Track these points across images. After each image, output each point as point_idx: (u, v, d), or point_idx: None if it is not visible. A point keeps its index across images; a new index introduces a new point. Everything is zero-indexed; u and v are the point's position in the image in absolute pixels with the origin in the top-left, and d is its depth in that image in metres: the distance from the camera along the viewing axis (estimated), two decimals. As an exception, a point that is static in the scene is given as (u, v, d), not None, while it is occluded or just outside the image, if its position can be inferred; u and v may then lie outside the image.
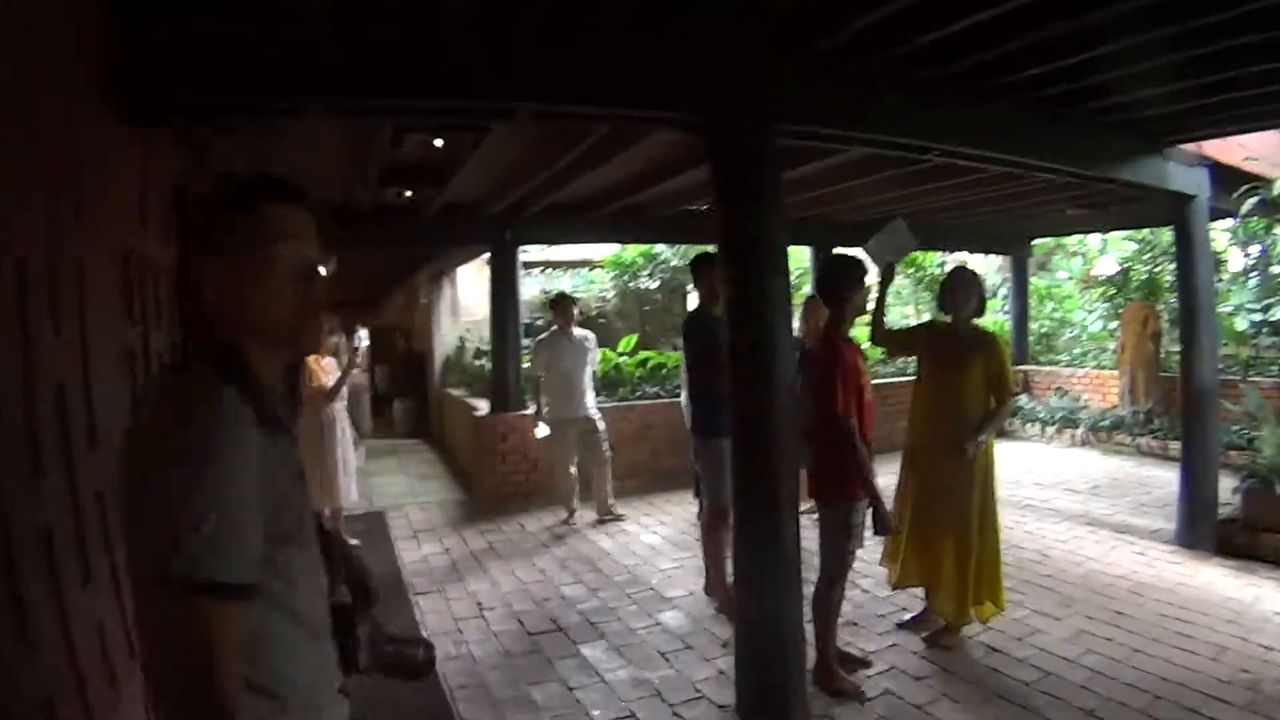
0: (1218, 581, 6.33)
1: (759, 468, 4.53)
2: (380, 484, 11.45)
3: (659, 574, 7.03)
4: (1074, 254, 15.72)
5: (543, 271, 15.77)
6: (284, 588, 1.62)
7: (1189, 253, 7.29)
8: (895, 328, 6.44)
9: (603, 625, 5.99)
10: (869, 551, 5.29)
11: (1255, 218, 9.16)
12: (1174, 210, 7.30)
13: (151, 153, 4.52)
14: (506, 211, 9.25)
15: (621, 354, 11.62)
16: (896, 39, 4.31)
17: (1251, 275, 11.09)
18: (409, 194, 7.96)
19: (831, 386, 4.66)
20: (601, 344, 10.61)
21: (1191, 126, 6.38)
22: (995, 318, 14.35)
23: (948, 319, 5.47)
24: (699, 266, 6.29)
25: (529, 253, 15.67)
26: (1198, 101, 5.56)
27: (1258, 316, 10.71)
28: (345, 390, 8.06)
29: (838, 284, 4.91)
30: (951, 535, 5.20)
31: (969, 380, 5.20)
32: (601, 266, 14.55)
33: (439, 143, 6.06)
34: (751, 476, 4.58)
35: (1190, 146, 6.95)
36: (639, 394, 11.01)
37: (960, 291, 5.36)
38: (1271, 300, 10.63)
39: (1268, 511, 6.82)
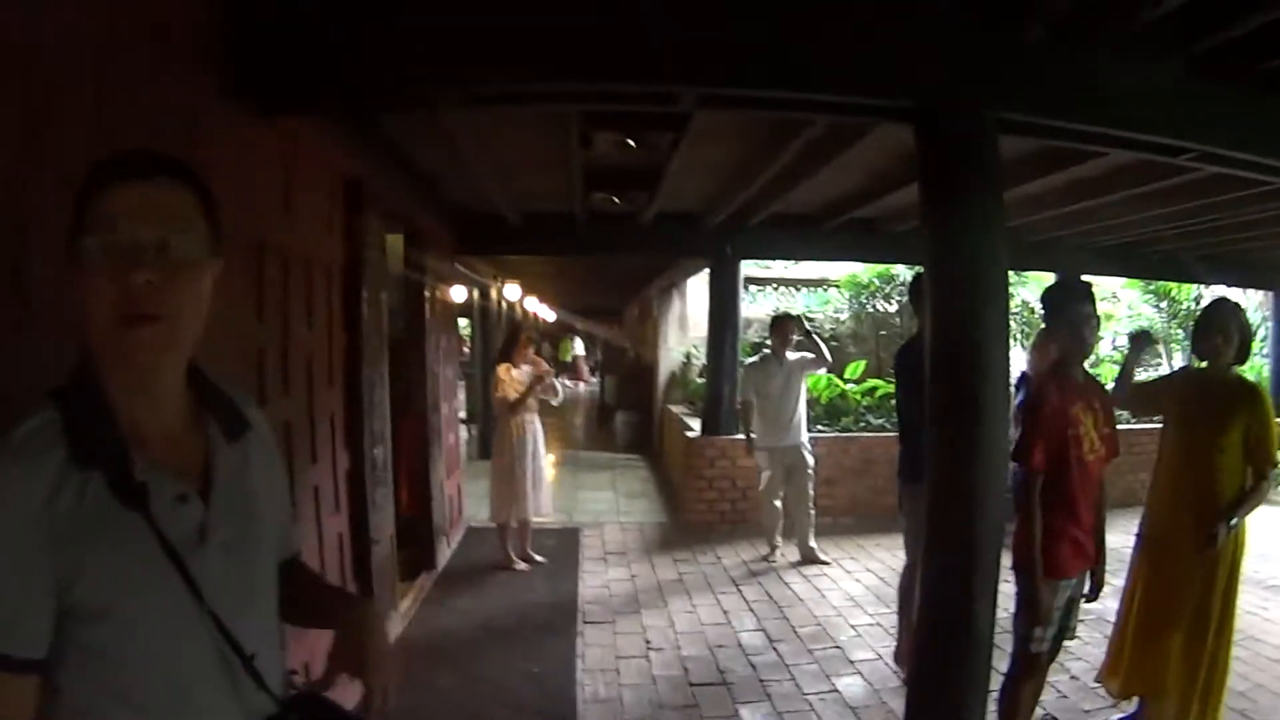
0: None
1: (953, 526, 3.77)
2: (586, 498, 11.21)
3: (849, 631, 6.27)
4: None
5: (775, 289, 15.16)
6: (105, 667, 1.36)
7: None
8: (1144, 380, 5.32)
9: (772, 685, 5.33)
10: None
11: None
12: None
13: (303, 143, 4.29)
14: (727, 223, 8.67)
15: (848, 380, 10.84)
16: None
17: None
18: (616, 199, 7.55)
19: (1021, 432, 3.90)
20: (831, 369, 9.95)
21: None
22: (1254, 362, 12.52)
23: (1202, 365, 4.44)
24: (919, 288, 5.54)
25: (770, 268, 15.16)
26: None
27: None
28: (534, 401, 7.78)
29: (1045, 309, 4.19)
30: (1183, 633, 4.18)
31: (1225, 444, 4.15)
32: (838, 286, 13.76)
33: (631, 142, 5.60)
34: (944, 536, 3.84)
35: None
36: (863, 425, 10.20)
37: (1218, 331, 4.29)
38: None
39: None
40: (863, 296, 12.95)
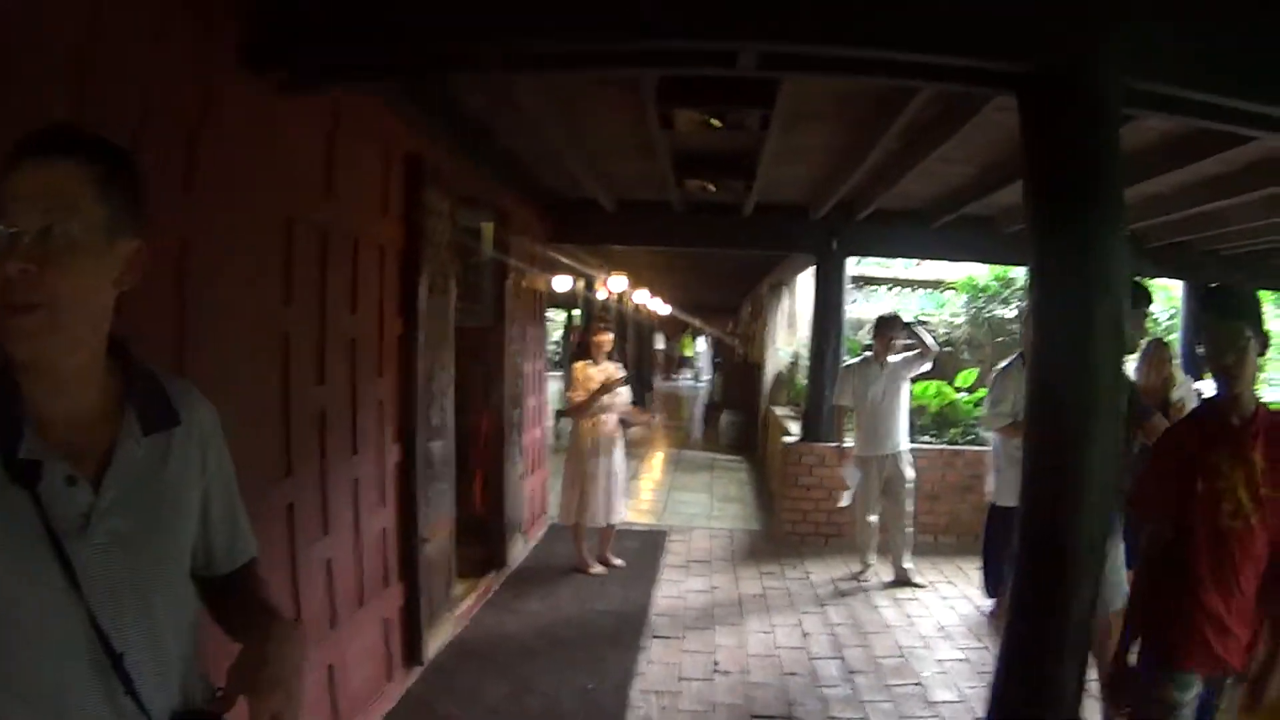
0: None
1: (1046, 578, 3.22)
2: (679, 500, 10.88)
3: (934, 666, 5.69)
4: None
5: (890, 289, 14.50)
6: None
7: None
8: None
9: (841, 726, 4.84)
10: None
11: None
12: None
13: (349, 114, 4.05)
14: (832, 216, 8.19)
15: (959, 389, 10.17)
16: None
17: None
18: (711, 187, 7.13)
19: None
20: (941, 375, 9.36)
21: None
22: None
23: None
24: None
25: (890, 267, 14.52)
26: None
27: None
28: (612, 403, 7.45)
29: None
30: None
31: None
32: (954, 289, 13.03)
33: (716, 122, 5.18)
34: (1033, 590, 3.28)
35: None
36: (971, 438, 9.51)
37: None
38: None
39: None
40: (980, 300, 12.19)
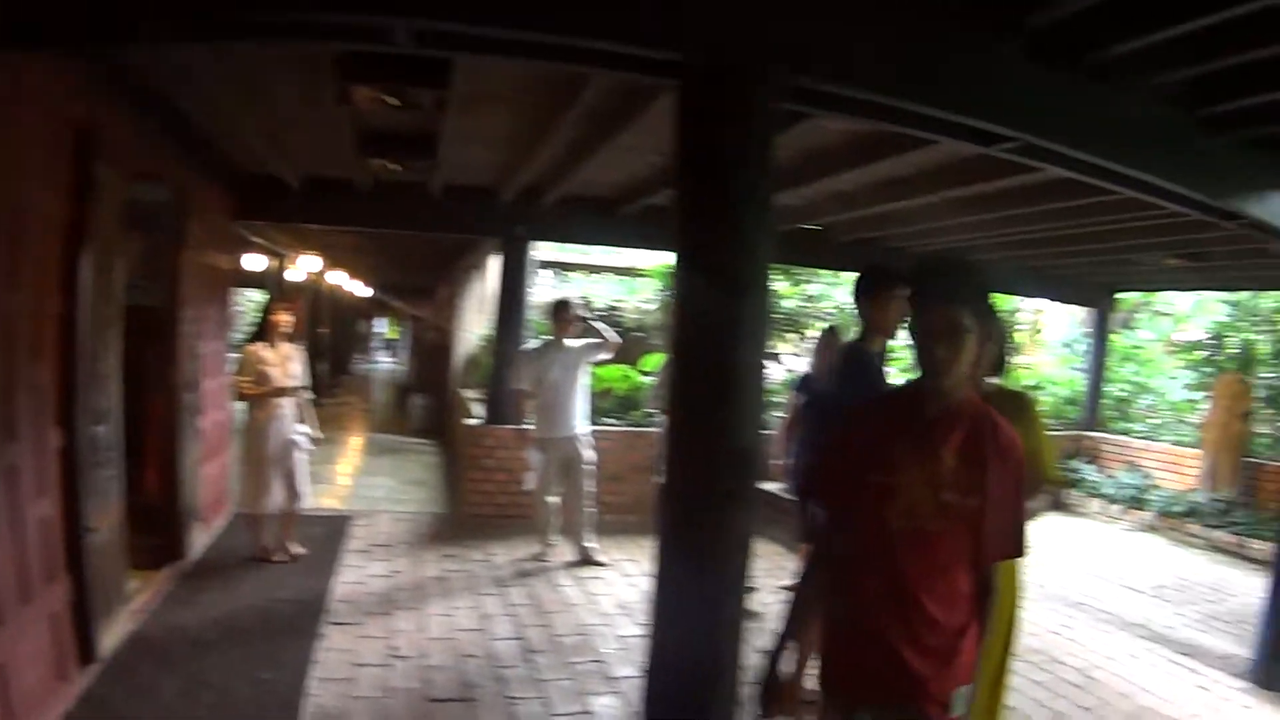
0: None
1: (687, 560, 3.38)
2: (366, 485, 10.68)
3: (616, 643, 5.89)
4: (1160, 313, 14.35)
5: (588, 274, 14.76)
6: None
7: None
8: None
9: (519, 703, 4.92)
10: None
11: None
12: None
13: (21, 84, 3.77)
14: (519, 201, 8.26)
15: (645, 373, 10.52)
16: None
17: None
18: (395, 166, 6.98)
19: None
20: (626, 359, 9.63)
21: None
22: (1071, 378, 13.02)
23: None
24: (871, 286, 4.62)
25: (590, 254, 14.76)
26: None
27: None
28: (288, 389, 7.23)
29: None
30: None
31: None
32: (648, 275, 13.43)
33: (393, 100, 5.09)
34: (678, 571, 3.42)
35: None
36: (653, 420, 9.89)
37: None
38: None
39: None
40: (672, 287, 12.64)
